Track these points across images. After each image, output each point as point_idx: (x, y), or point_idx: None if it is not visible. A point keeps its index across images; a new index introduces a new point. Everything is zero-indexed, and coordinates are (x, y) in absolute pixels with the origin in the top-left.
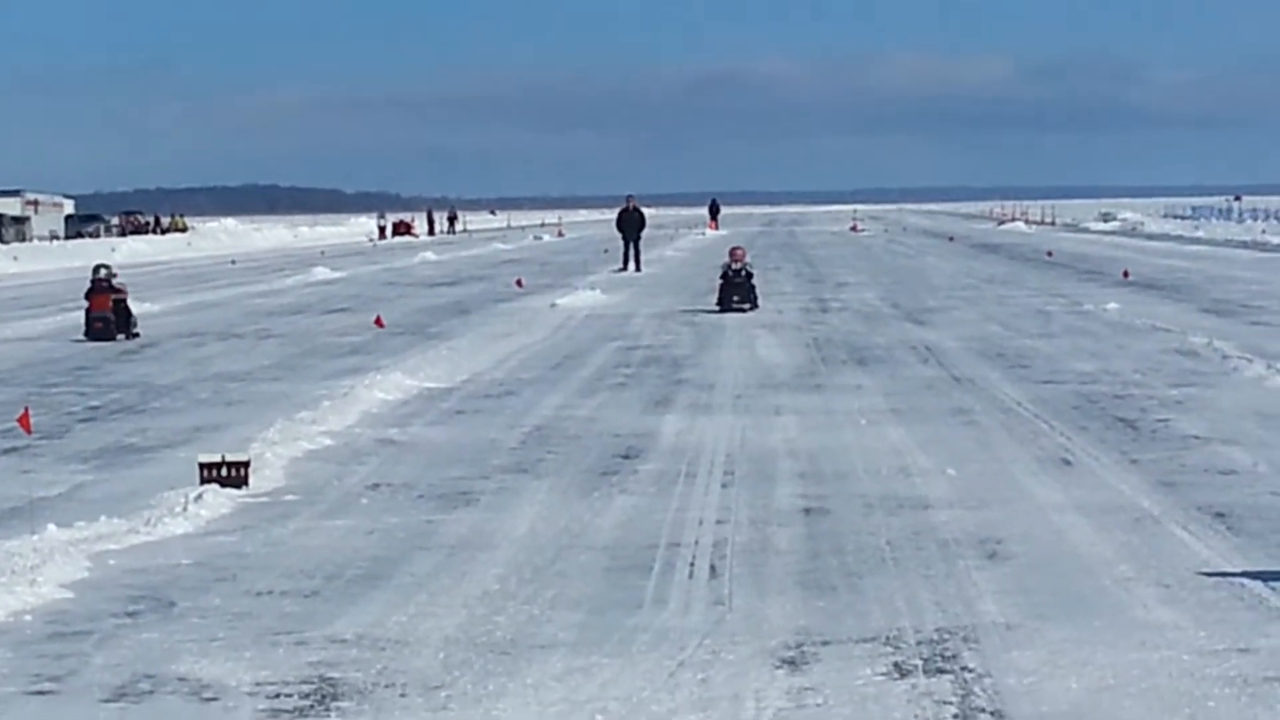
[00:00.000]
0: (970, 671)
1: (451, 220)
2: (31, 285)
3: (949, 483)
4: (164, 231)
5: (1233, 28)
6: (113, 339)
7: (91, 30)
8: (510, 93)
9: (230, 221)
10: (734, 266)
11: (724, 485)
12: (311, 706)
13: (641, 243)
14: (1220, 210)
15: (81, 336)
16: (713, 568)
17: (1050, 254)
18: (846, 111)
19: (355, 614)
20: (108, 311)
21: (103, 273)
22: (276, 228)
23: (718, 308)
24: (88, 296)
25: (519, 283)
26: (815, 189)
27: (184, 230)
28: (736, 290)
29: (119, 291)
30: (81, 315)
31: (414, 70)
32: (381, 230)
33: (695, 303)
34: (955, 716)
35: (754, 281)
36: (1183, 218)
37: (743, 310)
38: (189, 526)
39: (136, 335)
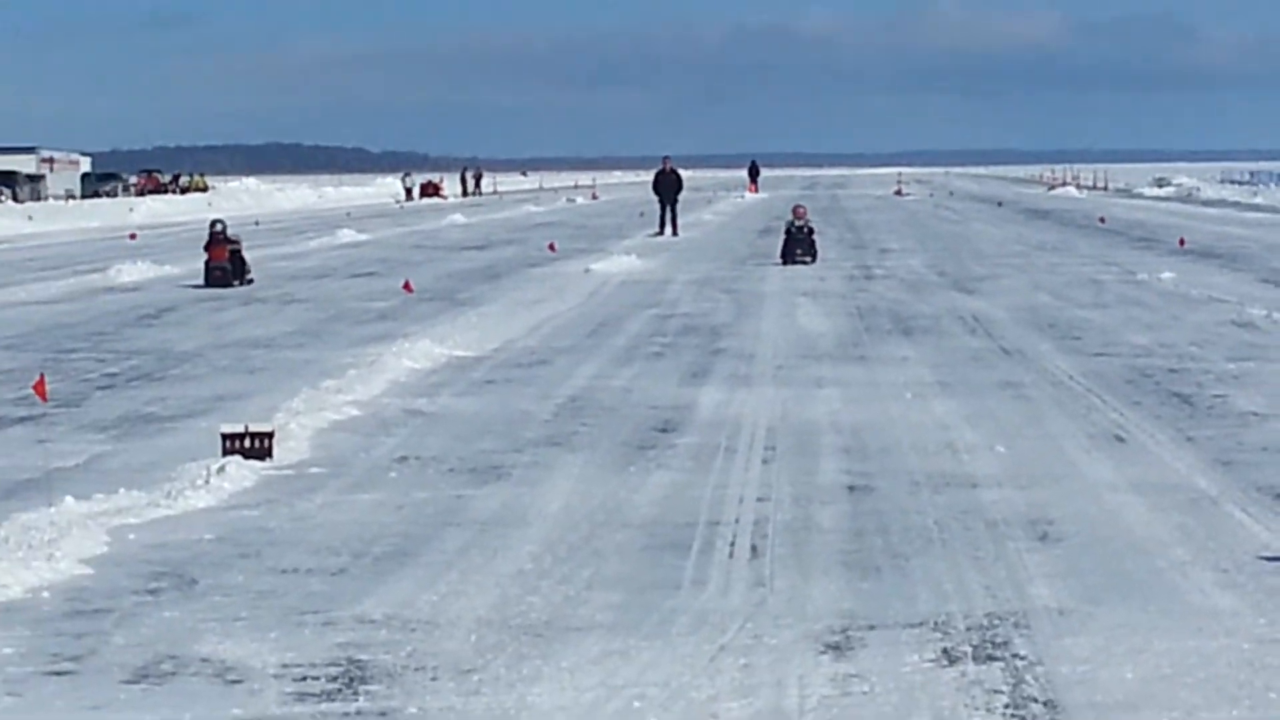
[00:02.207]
0: (1022, 659)
1: (477, 179)
2: (47, 246)
3: (998, 460)
4: (183, 191)
5: None
6: (230, 285)
7: None
8: (542, 49)
9: (252, 181)
10: (796, 224)
11: (765, 461)
12: (339, 690)
13: (679, 206)
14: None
15: (200, 283)
16: (754, 547)
17: (1103, 220)
18: (892, 69)
19: (384, 593)
20: (225, 261)
21: (219, 227)
22: (300, 188)
23: (780, 261)
24: (207, 249)
25: (551, 247)
26: (859, 151)
27: (204, 190)
28: (799, 244)
29: (234, 243)
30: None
31: (442, 26)
32: (409, 191)
33: (734, 268)
34: (1006, 706)
35: (814, 237)
36: (1240, 183)
37: (805, 263)
38: (211, 500)
39: (251, 281)
